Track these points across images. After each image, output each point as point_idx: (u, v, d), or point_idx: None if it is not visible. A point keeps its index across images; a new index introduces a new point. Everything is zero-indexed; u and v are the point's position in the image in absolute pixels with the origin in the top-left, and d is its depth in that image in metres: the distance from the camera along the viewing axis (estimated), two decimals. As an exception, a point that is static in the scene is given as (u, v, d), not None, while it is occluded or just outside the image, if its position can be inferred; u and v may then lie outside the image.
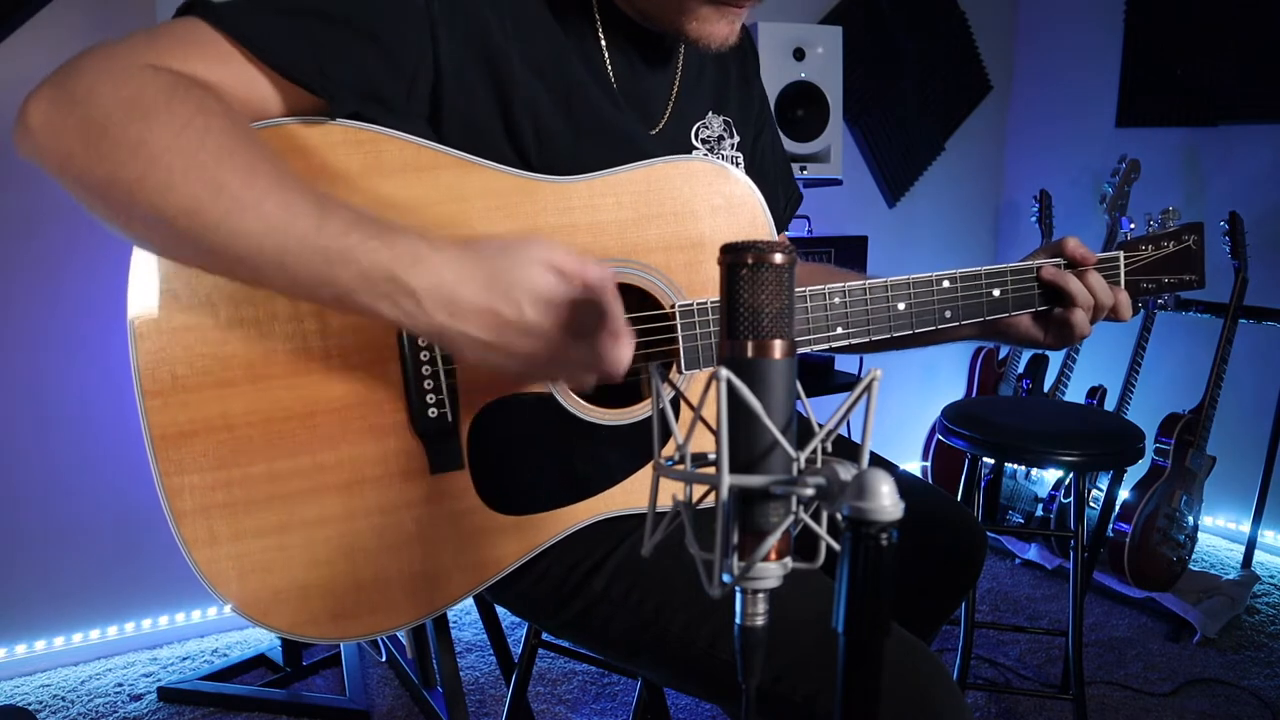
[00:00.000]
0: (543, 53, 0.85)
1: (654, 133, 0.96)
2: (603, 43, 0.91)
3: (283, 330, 0.78)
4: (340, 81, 0.75)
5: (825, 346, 0.93)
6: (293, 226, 0.64)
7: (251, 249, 0.64)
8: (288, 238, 0.64)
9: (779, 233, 1.12)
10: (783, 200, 1.15)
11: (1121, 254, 1.04)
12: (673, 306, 0.88)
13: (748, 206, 0.91)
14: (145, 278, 0.75)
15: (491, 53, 0.82)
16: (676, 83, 0.98)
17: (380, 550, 0.82)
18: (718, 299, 0.90)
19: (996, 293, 0.98)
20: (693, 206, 0.89)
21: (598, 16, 0.90)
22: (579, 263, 0.69)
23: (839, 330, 0.92)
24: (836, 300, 0.91)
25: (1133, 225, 2.06)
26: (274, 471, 0.78)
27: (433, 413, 0.82)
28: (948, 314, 0.96)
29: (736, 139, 1.04)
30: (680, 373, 0.88)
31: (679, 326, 0.88)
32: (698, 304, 0.88)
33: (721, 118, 1.03)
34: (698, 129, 1.01)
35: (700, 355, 0.88)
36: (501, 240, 0.68)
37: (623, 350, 0.70)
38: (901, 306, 0.94)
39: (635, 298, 0.95)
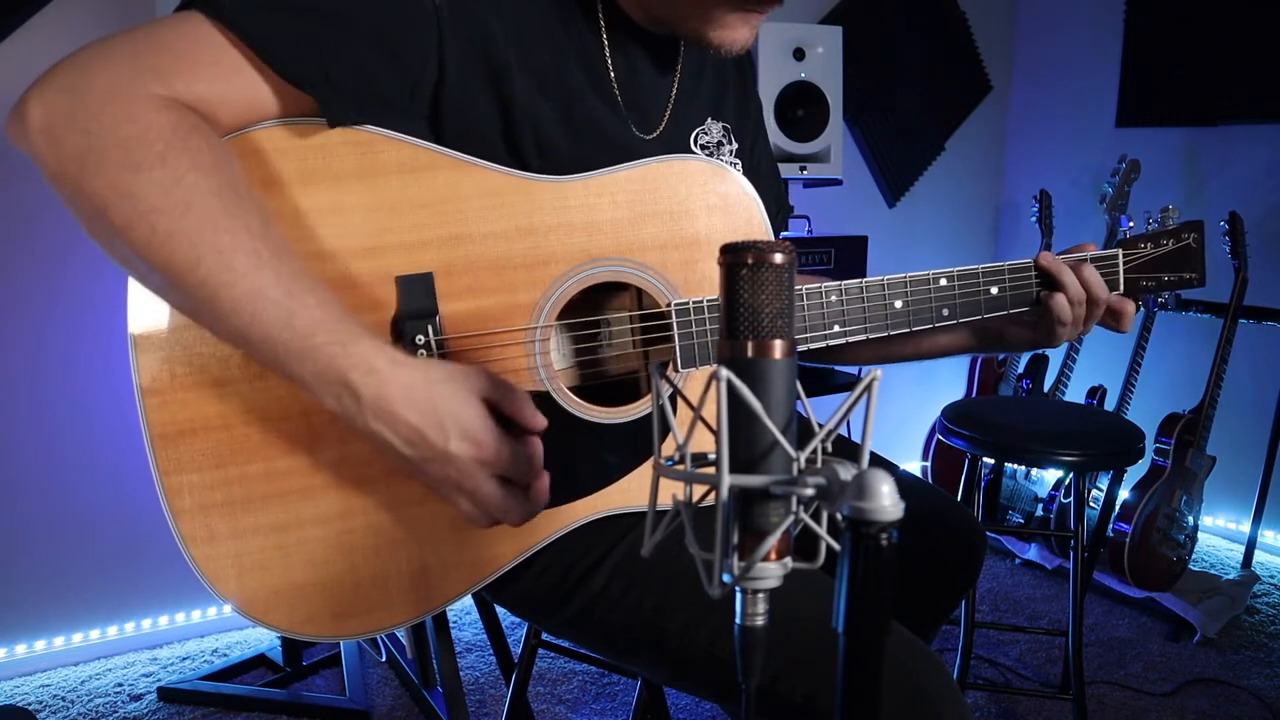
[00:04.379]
0: (544, 59, 0.85)
1: (652, 137, 0.95)
2: (605, 45, 0.90)
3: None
4: (343, 89, 0.75)
5: (823, 344, 0.93)
6: (260, 316, 0.67)
7: (218, 316, 0.67)
8: (253, 324, 0.67)
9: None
10: (774, 209, 1.14)
11: (1120, 252, 1.04)
12: (668, 305, 0.88)
13: (743, 205, 0.91)
14: (144, 277, 0.75)
15: (493, 59, 0.82)
16: (675, 87, 0.98)
17: (378, 548, 0.81)
18: (713, 297, 0.91)
19: (994, 290, 0.98)
20: (688, 206, 0.89)
21: (602, 18, 0.90)
22: (519, 405, 0.73)
23: (836, 328, 0.92)
24: (833, 298, 0.91)
25: (1131, 223, 2.06)
26: (272, 470, 0.78)
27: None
28: (945, 312, 0.96)
29: (735, 146, 1.04)
30: (677, 370, 0.88)
31: (675, 325, 0.88)
32: (693, 302, 0.88)
33: (720, 124, 1.03)
34: (697, 135, 1.00)
35: (696, 353, 0.88)
36: (453, 368, 0.72)
37: (528, 507, 0.74)
38: (899, 304, 0.94)
39: (631, 297, 0.95)
